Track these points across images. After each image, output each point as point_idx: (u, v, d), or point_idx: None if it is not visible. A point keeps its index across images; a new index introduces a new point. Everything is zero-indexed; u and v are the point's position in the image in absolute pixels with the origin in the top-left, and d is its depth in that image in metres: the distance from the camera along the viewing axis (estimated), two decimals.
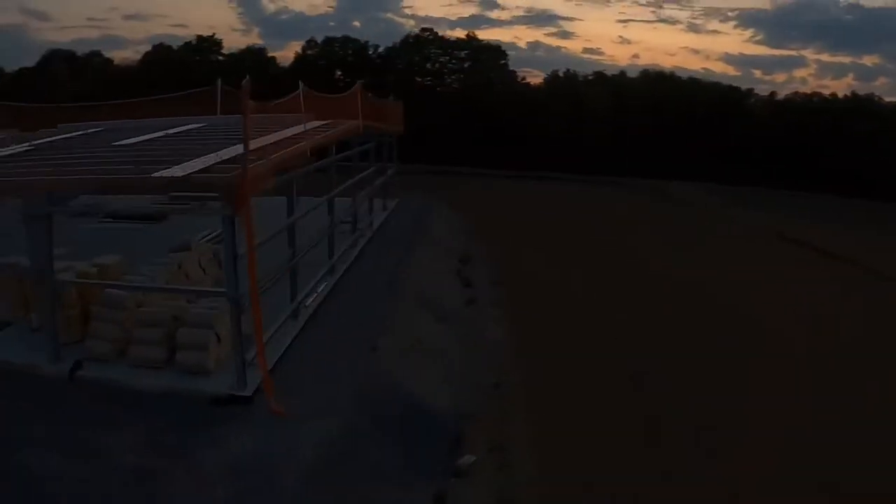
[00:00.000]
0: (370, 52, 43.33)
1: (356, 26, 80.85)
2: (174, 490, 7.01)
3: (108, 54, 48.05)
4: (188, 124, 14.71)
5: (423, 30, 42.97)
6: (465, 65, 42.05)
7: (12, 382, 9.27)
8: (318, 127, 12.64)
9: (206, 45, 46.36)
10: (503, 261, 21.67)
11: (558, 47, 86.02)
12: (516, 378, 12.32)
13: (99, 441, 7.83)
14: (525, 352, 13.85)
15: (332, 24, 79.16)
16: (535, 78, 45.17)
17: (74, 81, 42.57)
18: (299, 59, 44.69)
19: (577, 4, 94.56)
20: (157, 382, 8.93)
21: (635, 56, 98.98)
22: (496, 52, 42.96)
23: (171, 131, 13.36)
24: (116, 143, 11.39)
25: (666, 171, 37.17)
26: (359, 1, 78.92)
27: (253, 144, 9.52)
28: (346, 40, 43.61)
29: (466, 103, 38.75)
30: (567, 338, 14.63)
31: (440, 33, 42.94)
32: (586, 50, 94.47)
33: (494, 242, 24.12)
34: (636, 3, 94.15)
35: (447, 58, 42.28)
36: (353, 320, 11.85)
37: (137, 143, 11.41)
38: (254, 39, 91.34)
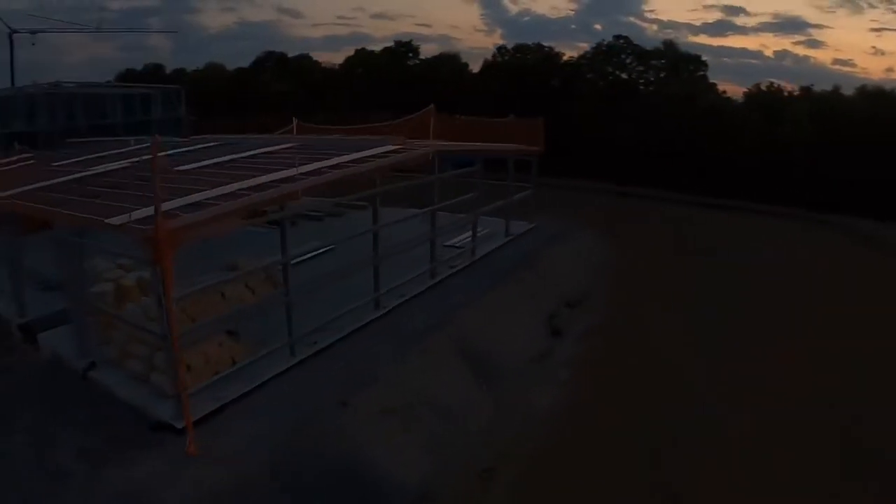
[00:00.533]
0: (559, 61, 42.59)
1: (598, 29, 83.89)
2: (61, 498, 8.12)
3: (352, 51, 54.02)
4: (286, 143, 16.54)
5: (617, 37, 40.76)
6: (661, 75, 38.64)
7: (49, 371, 11.67)
8: (359, 158, 12.99)
9: (403, 49, 50.67)
10: (623, 310, 19.38)
11: (806, 57, 76.34)
12: (518, 466, 11.12)
13: (55, 435, 9.50)
14: (563, 435, 12.35)
15: (573, 26, 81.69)
16: (738, 89, 40.08)
17: (279, 82, 49.90)
18: (487, 65, 46.01)
19: (828, 11, 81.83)
20: (132, 395, 10.41)
21: (889, 70, 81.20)
22: (695, 61, 38.66)
23: (252, 153, 15.15)
24: (177, 168, 13.28)
25: (877, 210, 29.08)
26: (601, 4, 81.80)
27: (232, 188, 10.33)
28: (539, 47, 43.74)
29: (657, 117, 35.58)
30: (632, 435, 12.42)
31: (634, 42, 40.14)
32: (836, 61, 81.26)
33: (627, 284, 21.73)
34: (891, 9, 77.38)
35: (642, 67, 39.40)
36: (354, 366, 11.96)
37: (191, 168, 13.15)
38: (496, 40, 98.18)
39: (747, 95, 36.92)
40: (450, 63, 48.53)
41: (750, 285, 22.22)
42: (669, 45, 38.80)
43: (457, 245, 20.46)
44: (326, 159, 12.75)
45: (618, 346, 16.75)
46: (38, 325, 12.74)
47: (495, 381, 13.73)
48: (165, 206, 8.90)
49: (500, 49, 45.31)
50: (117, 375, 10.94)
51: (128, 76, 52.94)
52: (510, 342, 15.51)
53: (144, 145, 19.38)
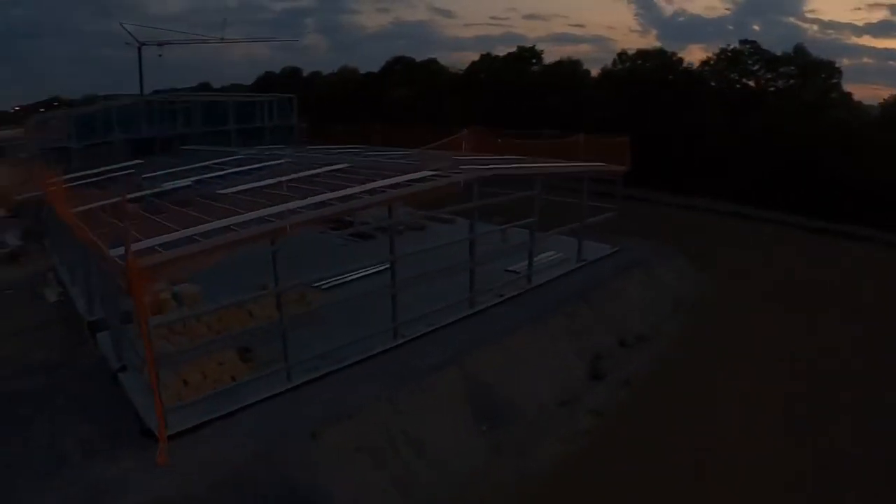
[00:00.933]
0: (679, 67, 39.55)
1: (755, 30, 79.99)
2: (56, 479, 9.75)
3: (504, 51, 53.29)
4: (336, 164, 17.53)
5: (743, 41, 36.94)
6: (791, 82, 34.30)
7: (97, 367, 13.54)
8: (376, 188, 13.45)
9: (527, 54, 50.06)
10: (687, 357, 17.57)
11: None
12: None
13: (72, 427, 11.23)
14: (554, 489, 11.88)
15: (730, 27, 78.24)
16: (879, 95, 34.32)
17: (401, 88, 51.29)
18: (606, 73, 44.06)
19: None
20: (141, 401, 11.72)
21: None
22: (827, 68, 33.70)
23: (296, 175, 16.27)
24: (219, 191, 14.66)
25: None
26: (758, 4, 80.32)
27: (225, 222, 11.21)
28: (661, 52, 41.03)
29: (780, 130, 31.76)
30: None
31: (763, 46, 36.15)
32: None
33: (702, 326, 19.67)
34: None
35: (772, 74, 35.30)
36: (345, 397, 12.39)
37: (231, 192, 14.44)
38: (651, 41, 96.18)
39: (883, 107, 31.43)
40: (570, 69, 47.25)
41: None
42: (800, 51, 34.45)
43: (517, 270, 20.09)
44: (344, 189, 13.41)
45: (663, 399, 15.24)
46: (100, 324, 14.80)
47: (501, 425, 13.40)
48: (149, 242, 10.05)
49: (621, 55, 43.28)
50: (137, 381, 12.40)
51: (266, 80, 58.31)
52: (534, 384, 14.96)
53: (233, 158, 21.62)
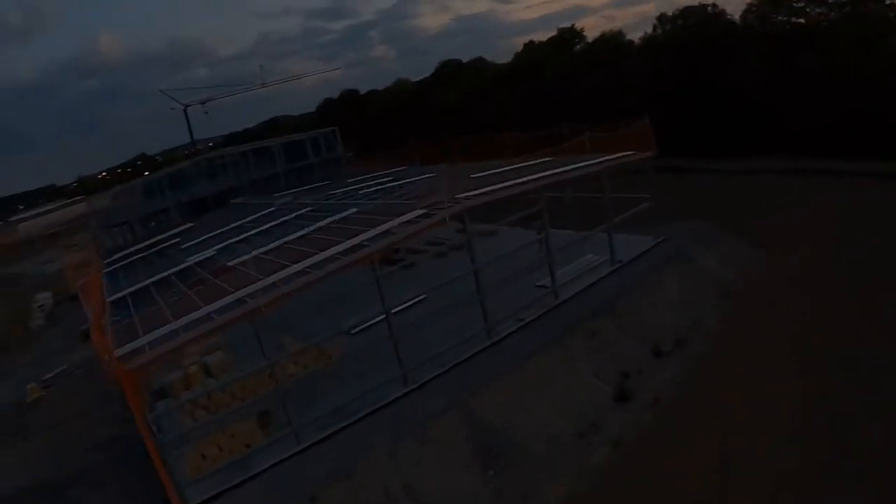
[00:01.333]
0: (723, 19, 36.16)
1: None
2: None
3: (567, 24, 51.61)
4: (349, 210, 18.09)
5: None
6: (845, 9, 29.99)
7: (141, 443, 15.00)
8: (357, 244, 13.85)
9: (568, 36, 48.07)
10: (728, 362, 16.16)
11: None
12: None
13: (111, 495, 12.46)
14: None
15: None
16: None
17: (450, 93, 50.71)
18: (647, 41, 41.28)
19: None
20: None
21: None
22: None
23: (302, 233, 16.97)
24: (230, 263, 15.63)
25: None
26: None
27: (205, 311, 12.03)
28: (702, 7, 37.60)
29: (836, 66, 28.07)
30: None
31: None
32: None
33: (750, 322, 17.77)
34: None
35: (822, 9, 31.18)
36: (349, 455, 12.89)
37: (240, 263, 15.38)
38: None
39: None
40: (612, 43, 44.86)
41: None
42: None
43: (546, 285, 19.62)
44: (332, 247, 14.01)
45: (692, 418, 13.99)
46: (156, 395, 16.36)
47: (508, 467, 13.10)
48: (140, 341, 11.07)
49: (661, 18, 40.32)
50: (171, 455, 13.66)
51: (326, 106, 60.08)
52: (546, 417, 14.38)
53: (267, 212, 22.83)
